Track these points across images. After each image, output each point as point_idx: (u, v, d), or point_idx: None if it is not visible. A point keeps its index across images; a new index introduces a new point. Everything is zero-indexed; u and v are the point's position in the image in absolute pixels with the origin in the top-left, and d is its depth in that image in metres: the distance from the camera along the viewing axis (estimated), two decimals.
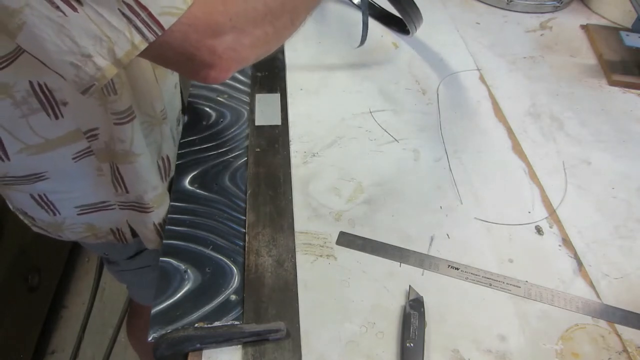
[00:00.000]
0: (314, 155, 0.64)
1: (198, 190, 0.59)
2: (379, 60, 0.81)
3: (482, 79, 0.78)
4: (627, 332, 0.47)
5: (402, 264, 0.52)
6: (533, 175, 0.63)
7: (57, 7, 0.33)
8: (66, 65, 0.36)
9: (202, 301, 0.48)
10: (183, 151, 0.63)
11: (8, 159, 0.51)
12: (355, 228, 0.55)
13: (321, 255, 0.52)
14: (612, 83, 0.78)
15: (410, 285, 0.49)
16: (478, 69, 0.80)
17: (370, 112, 0.71)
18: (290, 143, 0.65)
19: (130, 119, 0.51)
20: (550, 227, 0.57)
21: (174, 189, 0.59)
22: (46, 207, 0.59)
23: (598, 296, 0.50)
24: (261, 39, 0.42)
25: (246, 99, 0.71)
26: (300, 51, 0.81)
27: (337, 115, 0.70)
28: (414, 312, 0.46)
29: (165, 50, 0.38)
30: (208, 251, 0.52)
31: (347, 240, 0.54)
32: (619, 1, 0.91)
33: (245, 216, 0.55)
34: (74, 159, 0.54)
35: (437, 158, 0.64)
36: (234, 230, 0.54)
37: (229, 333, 0.44)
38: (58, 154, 0.53)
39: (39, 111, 0.48)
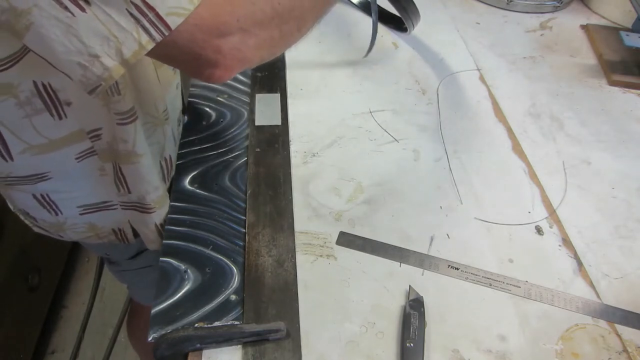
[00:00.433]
0: (314, 155, 0.64)
1: (198, 190, 0.59)
2: (379, 60, 0.81)
3: (482, 79, 0.78)
4: (627, 332, 0.47)
5: (402, 264, 0.52)
6: (533, 175, 0.63)
7: (65, 8, 0.33)
8: (73, 66, 0.36)
9: (202, 301, 0.48)
10: (183, 151, 0.63)
11: (11, 159, 0.51)
12: (355, 228, 0.55)
13: (321, 255, 0.52)
14: (612, 83, 0.78)
15: (410, 285, 0.49)
16: (478, 69, 0.80)
17: (370, 112, 0.71)
18: (290, 143, 0.65)
19: (133, 119, 0.51)
20: (550, 227, 0.57)
21: (174, 189, 0.59)
22: (48, 207, 0.59)
23: (598, 296, 0.50)
24: (267, 42, 0.43)
25: (246, 99, 0.71)
26: (300, 51, 0.81)
27: (337, 115, 0.70)
28: (414, 312, 0.46)
29: (171, 50, 0.38)
30: (208, 251, 0.52)
31: (347, 240, 0.54)
32: (619, 1, 0.91)
33: (245, 216, 0.55)
34: (77, 159, 0.54)
35: (437, 158, 0.64)
36: (234, 230, 0.54)
37: (229, 333, 0.44)
38: (61, 154, 0.53)
39: (42, 111, 0.48)
